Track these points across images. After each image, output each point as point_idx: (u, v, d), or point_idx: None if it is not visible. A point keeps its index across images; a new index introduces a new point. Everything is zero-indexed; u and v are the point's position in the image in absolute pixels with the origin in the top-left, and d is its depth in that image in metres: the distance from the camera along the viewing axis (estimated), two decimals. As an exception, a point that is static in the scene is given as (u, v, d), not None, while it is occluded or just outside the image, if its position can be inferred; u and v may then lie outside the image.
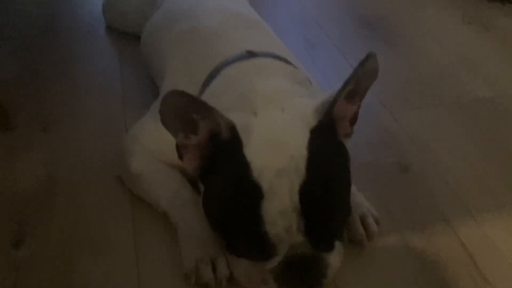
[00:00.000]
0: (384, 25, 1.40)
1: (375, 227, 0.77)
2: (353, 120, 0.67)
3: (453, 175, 0.90)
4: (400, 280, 0.71)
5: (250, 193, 0.56)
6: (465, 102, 1.09)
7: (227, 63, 0.75)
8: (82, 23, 1.38)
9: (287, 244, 0.58)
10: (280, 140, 0.59)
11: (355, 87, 0.61)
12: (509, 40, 1.33)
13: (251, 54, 0.76)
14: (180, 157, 0.65)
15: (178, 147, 0.64)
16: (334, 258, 0.63)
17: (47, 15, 1.40)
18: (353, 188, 0.76)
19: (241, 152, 0.58)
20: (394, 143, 0.97)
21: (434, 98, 1.11)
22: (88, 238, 0.77)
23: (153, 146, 0.82)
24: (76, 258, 0.74)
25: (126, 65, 1.20)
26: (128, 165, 0.82)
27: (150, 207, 0.81)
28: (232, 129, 0.59)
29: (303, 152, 0.58)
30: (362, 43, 1.32)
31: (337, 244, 0.64)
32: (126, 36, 1.30)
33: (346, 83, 0.58)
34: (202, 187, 0.69)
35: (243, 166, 0.58)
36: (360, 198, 0.80)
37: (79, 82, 1.14)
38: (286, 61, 0.78)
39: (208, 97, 0.72)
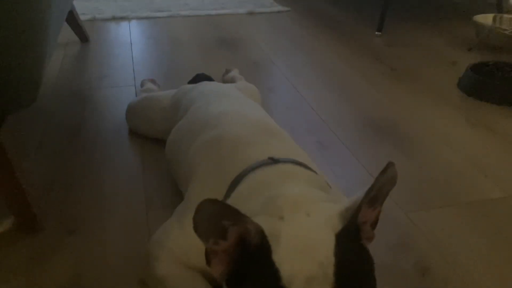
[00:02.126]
0: (393, 128, 1.48)
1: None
2: (374, 224, 0.69)
3: (474, 276, 0.90)
4: None
5: None
6: (477, 202, 1.12)
7: (250, 169, 0.79)
8: (107, 128, 1.46)
9: None
10: (308, 245, 0.60)
11: (376, 194, 0.64)
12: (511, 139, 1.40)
13: (273, 161, 0.81)
14: (208, 262, 0.66)
15: (207, 253, 0.65)
16: None
17: (75, 122, 1.49)
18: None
19: (270, 258, 0.59)
20: (412, 244, 0.99)
21: (447, 199, 1.14)
22: None
23: (178, 251, 0.83)
24: None
25: (148, 168, 1.26)
26: (153, 270, 0.83)
27: (174, 312, 0.80)
28: (261, 234, 0.61)
29: (331, 259, 0.59)
30: (373, 145, 1.38)
31: None
32: (149, 140, 1.37)
33: (369, 190, 0.61)
34: (227, 293, 0.69)
35: (273, 273, 0.58)
36: (383, 302, 0.80)
37: (103, 185, 1.18)
38: (306, 166, 0.82)
39: (233, 201, 0.75)
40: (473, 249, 0.98)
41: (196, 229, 0.60)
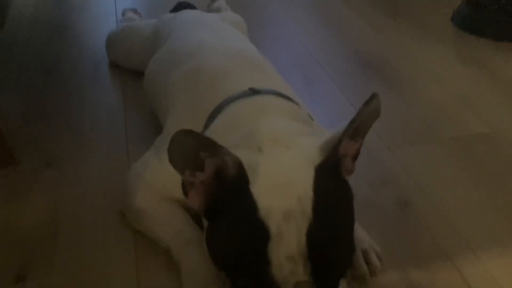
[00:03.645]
0: (382, 63, 1.44)
1: (378, 263, 0.77)
2: (355, 156, 0.68)
3: (453, 211, 0.90)
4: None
5: (257, 234, 0.56)
6: (462, 138, 1.11)
7: (230, 100, 0.76)
8: (86, 60, 1.40)
9: (292, 284, 0.57)
10: (286, 178, 0.59)
11: (359, 126, 0.62)
12: (502, 76, 1.37)
13: (254, 91, 0.77)
14: (185, 194, 0.64)
15: (184, 184, 0.64)
16: (338, 296, 0.63)
17: (53, 55, 1.43)
18: (355, 224, 0.76)
19: (248, 190, 0.58)
20: (394, 179, 0.99)
21: (432, 135, 1.13)
22: (90, 274, 0.77)
23: (156, 182, 0.82)
24: (79, 295, 0.73)
25: (129, 101, 1.22)
26: (131, 201, 0.83)
27: (153, 243, 0.80)
28: (239, 166, 0.59)
29: (309, 193, 0.58)
30: (361, 81, 1.35)
31: (341, 282, 0.64)
32: (129, 72, 1.32)
33: (351, 123, 0.59)
34: (206, 223, 0.69)
35: (250, 204, 0.57)
36: (362, 234, 0.80)
37: (82, 119, 1.15)
38: (288, 98, 0.79)
39: (211, 134, 0.73)
40: (454, 184, 0.98)
41: (171, 160, 0.58)
